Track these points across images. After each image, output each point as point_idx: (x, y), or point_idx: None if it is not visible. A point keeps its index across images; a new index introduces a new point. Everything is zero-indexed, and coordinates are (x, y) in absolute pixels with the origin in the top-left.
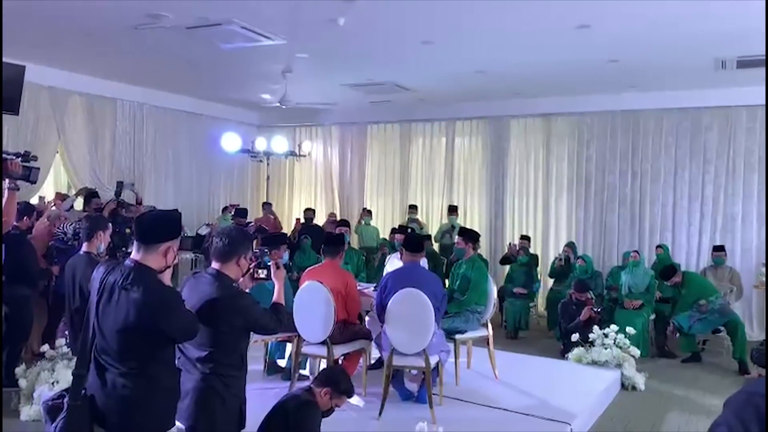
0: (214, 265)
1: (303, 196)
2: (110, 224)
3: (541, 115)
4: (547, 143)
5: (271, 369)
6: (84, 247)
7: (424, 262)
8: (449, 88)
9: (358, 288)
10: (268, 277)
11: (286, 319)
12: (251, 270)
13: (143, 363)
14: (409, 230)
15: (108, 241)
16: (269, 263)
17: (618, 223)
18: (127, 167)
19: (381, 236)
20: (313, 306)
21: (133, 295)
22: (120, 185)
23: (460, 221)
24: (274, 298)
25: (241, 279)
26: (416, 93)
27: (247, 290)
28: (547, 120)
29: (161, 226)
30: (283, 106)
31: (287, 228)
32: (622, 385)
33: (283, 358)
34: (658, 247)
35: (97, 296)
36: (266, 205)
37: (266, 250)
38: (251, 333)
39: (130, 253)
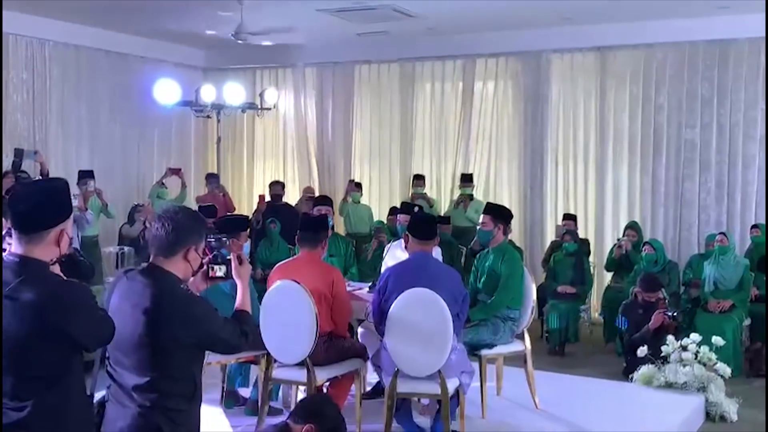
0: (155, 260)
1: (267, 165)
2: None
3: (594, 48)
4: (601, 87)
5: (231, 400)
6: None
7: (437, 253)
8: (468, 13)
9: (348, 289)
10: (228, 276)
11: (253, 333)
12: (204, 266)
13: (42, 389)
14: (416, 209)
15: (7, 227)
16: (228, 257)
17: (699, 195)
18: (25, 129)
19: (375, 218)
20: (288, 314)
21: (24, 299)
22: (19, 154)
23: (481, 196)
24: (237, 303)
25: (191, 279)
26: (423, 20)
27: (197, 293)
28: (603, 55)
29: (48, 205)
30: (239, 41)
31: (245, 209)
32: (707, 415)
33: (247, 385)
34: (753, 227)
35: None
36: (211, 178)
37: (225, 239)
38: (206, 352)
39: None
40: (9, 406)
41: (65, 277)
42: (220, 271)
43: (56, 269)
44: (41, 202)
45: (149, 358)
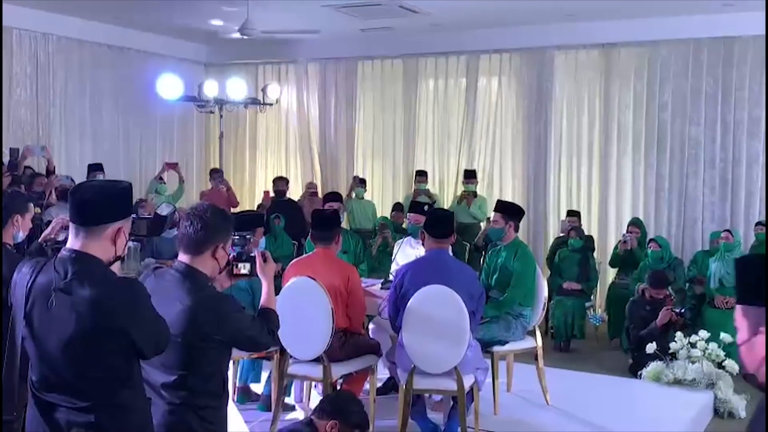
0: (183, 257)
1: (270, 160)
2: (30, 204)
3: (598, 45)
4: (605, 84)
5: (243, 396)
6: None
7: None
8: (472, 9)
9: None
10: (252, 274)
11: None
12: (229, 264)
13: (108, 390)
14: (426, 207)
15: (29, 227)
16: (253, 254)
17: (703, 192)
18: (29, 123)
19: (379, 214)
20: (304, 311)
21: (82, 294)
22: (15, 153)
23: (484, 193)
24: (262, 302)
25: (217, 276)
26: (427, 16)
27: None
28: (607, 52)
29: (108, 200)
30: (244, 37)
31: (247, 204)
32: (716, 412)
33: (259, 381)
34: (758, 224)
35: (25, 309)
36: (215, 174)
37: (248, 237)
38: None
39: (59, 243)
40: (74, 404)
41: None
42: (244, 268)
43: (116, 268)
44: (102, 196)
45: (179, 356)
